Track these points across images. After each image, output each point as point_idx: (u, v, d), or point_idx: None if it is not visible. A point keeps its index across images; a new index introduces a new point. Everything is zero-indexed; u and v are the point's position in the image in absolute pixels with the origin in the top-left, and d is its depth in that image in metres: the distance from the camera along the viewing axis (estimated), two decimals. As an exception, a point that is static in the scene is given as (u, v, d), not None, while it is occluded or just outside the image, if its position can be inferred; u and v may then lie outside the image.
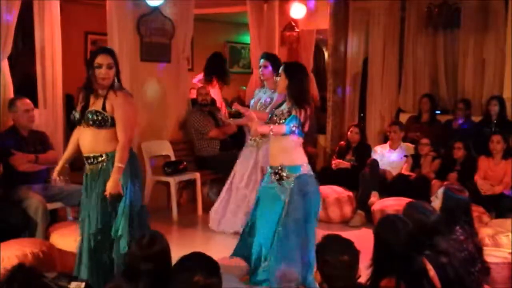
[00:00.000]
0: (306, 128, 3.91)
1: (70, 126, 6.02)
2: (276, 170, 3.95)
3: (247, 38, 9.12)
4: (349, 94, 7.71)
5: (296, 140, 3.90)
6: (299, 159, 3.94)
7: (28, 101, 4.80)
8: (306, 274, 3.92)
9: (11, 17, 4.86)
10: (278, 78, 4.36)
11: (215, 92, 7.74)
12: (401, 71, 7.45)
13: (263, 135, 4.86)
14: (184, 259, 2.44)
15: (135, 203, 3.56)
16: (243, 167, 5.26)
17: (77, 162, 5.71)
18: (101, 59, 3.50)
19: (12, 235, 4.05)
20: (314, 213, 4.00)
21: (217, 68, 7.97)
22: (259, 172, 5.13)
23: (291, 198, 3.89)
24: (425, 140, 6.14)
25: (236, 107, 4.42)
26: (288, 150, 3.92)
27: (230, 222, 5.30)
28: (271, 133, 3.83)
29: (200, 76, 7.94)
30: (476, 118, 6.59)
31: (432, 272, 2.83)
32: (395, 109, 7.51)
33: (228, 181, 5.40)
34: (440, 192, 3.54)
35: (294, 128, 3.81)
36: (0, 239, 3.83)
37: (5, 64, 5.00)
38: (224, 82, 7.83)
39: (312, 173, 4.00)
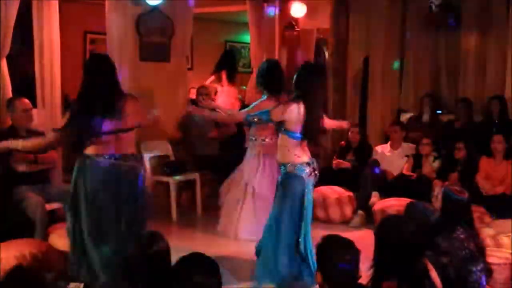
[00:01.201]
0: (297, 129, 3.91)
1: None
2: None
3: (247, 38, 9.11)
4: (349, 93, 7.70)
5: (287, 140, 3.96)
6: (287, 157, 3.98)
7: (26, 100, 4.78)
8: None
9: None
10: None
11: (224, 91, 7.76)
12: (402, 71, 7.43)
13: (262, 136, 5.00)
14: (183, 260, 2.42)
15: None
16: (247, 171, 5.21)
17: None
18: None
19: (10, 235, 4.02)
20: (293, 213, 4.02)
21: (227, 63, 8.01)
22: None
23: (276, 194, 4.07)
24: (426, 140, 6.12)
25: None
26: (280, 148, 4.03)
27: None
28: (226, 114, 4.37)
29: (212, 78, 7.97)
30: (477, 118, 6.57)
31: (433, 272, 2.81)
32: (396, 109, 7.48)
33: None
34: (440, 192, 3.53)
35: (252, 119, 4.36)
36: (-1, 239, 3.81)
37: (4, 63, 4.99)
38: (229, 78, 7.84)
39: (299, 173, 3.98)
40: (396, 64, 7.35)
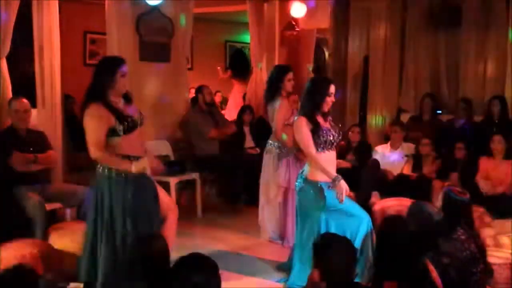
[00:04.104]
0: None
1: (69, 126, 6.06)
2: None
3: (247, 38, 9.11)
4: (349, 93, 7.69)
5: None
6: None
7: (25, 101, 4.73)
8: None
9: (7, 16, 4.83)
10: None
11: (233, 89, 7.93)
12: (402, 71, 7.42)
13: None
14: (183, 260, 2.42)
15: None
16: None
17: (76, 162, 5.68)
18: (126, 69, 3.60)
19: (10, 235, 4.02)
20: None
21: (234, 63, 8.14)
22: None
23: None
24: (426, 140, 6.11)
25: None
26: None
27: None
28: None
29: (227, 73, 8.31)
30: (477, 118, 6.56)
31: (434, 273, 2.81)
32: (396, 108, 7.47)
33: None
34: (440, 193, 3.53)
35: None
36: (-1, 239, 3.81)
37: (4, 63, 4.98)
38: (237, 76, 8.01)
39: None
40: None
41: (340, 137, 4.01)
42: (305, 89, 3.97)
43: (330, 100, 3.91)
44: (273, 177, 5.06)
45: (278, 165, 5.01)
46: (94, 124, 3.48)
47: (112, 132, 3.47)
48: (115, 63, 3.62)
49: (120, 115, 3.53)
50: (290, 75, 4.99)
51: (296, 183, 4.03)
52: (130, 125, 3.57)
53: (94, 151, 3.47)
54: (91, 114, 3.48)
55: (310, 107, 3.87)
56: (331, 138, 3.87)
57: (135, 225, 3.52)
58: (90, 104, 3.49)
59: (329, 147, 3.87)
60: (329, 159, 3.88)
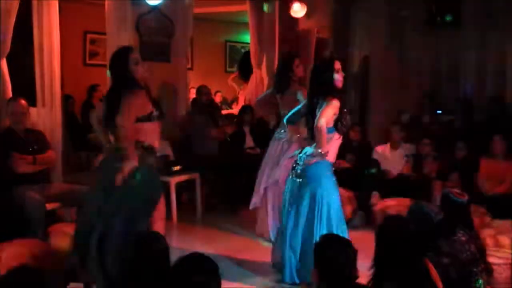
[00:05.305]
0: None
1: (69, 125, 6.07)
2: None
3: (247, 38, 9.12)
4: (349, 93, 7.70)
5: None
6: None
7: (23, 102, 4.71)
8: None
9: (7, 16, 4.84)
10: None
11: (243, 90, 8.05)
12: (402, 71, 7.43)
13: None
14: (183, 260, 2.41)
15: None
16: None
17: (76, 162, 5.68)
18: (137, 55, 3.72)
19: (10, 235, 4.02)
20: None
21: (243, 65, 8.22)
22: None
23: None
24: (426, 140, 6.12)
25: None
26: None
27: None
28: None
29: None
30: (477, 118, 6.57)
31: (434, 273, 2.81)
32: (396, 108, 7.48)
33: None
34: (440, 194, 3.54)
35: None
36: (-1, 240, 3.81)
37: (4, 63, 4.98)
38: (246, 78, 8.13)
39: None
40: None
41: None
42: (312, 76, 4.03)
43: (339, 76, 3.98)
44: (279, 160, 4.96)
45: (287, 149, 4.94)
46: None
47: (147, 118, 3.63)
48: (123, 52, 3.75)
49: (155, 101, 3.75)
50: (297, 61, 5.00)
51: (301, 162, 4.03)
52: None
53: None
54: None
55: (331, 88, 3.93)
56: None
57: (134, 224, 3.53)
58: (133, 91, 3.58)
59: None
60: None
